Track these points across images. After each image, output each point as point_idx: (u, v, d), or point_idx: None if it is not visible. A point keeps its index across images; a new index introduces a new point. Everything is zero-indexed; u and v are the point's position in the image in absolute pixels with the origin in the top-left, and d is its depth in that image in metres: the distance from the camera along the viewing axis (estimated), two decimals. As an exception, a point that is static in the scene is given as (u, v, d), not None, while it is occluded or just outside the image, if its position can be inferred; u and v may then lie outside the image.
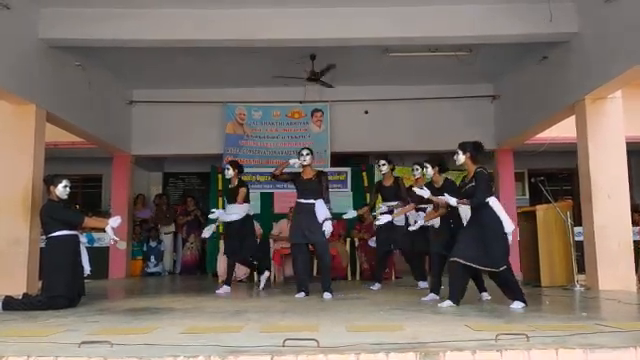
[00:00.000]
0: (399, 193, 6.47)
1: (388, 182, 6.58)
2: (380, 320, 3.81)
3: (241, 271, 7.89)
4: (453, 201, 4.69)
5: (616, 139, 6.44)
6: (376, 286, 6.41)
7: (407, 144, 9.56)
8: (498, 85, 9.43)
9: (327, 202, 5.73)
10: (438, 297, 4.98)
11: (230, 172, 6.46)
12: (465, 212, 4.94)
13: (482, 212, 4.53)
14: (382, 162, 6.60)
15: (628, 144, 6.74)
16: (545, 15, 6.36)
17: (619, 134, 6.47)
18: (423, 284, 6.40)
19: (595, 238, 6.23)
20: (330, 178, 8.96)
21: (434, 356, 2.51)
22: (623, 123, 6.53)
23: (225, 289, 6.29)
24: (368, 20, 6.67)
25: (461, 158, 4.74)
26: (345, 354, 2.52)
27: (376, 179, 8.11)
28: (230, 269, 6.54)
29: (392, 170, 6.66)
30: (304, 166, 5.78)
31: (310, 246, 5.87)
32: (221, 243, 8.39)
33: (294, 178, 5.83)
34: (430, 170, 5.42)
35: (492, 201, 4.53)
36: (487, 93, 9.57)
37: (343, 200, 8.90)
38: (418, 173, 6.07)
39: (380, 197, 6.72)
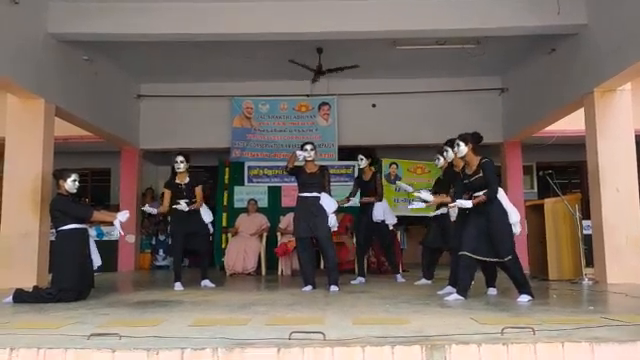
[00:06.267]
0: (376, 188, 6.48)
1: (367, 176, 6.58)
2: (386, 313, 3.82)
3: (249, 264, 7.94)
4: (468, 204, 4.53)
5: (625, 132, 6.39)
6: (357, 280, 6.44)
7: (415, 137, 9.54)
8: (506, 78, 9.38)
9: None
10: (455, 289, 4.91)
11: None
12: (454, 210, 5.03)
13: (488, 203, 4.50)
14: (360, 157, 6.54)
15: (637, 137, 6.69)
16: (553, 7, 6.32)
17: (628, 127, 6.41)
18: (400, 278, 6.62)
19: (603, 232, 6.19)
20: (337, 172, 9.09)
21: (440, 349, 2.52)
22: (632, 116, 6.48)
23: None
24: (376, 13, 6.64)
25: (463, 150, 4.68)
26: (351, 347, 2.54)
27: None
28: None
29: (370, 165, 6.65)
30: (307, 160, 5.79)
31: (313, 240, 5.87)
32: (229, 236, 8.47)
33: (297, 172, 5.84)
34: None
35: (499, 192, 4.52)
36: (495, 86, 9.52)
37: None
38: (440, 162, 5.98)
39: (360, 191, 6.68)
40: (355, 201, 6.58)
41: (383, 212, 6.45)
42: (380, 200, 6.49)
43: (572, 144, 9.26)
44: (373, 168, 6.74)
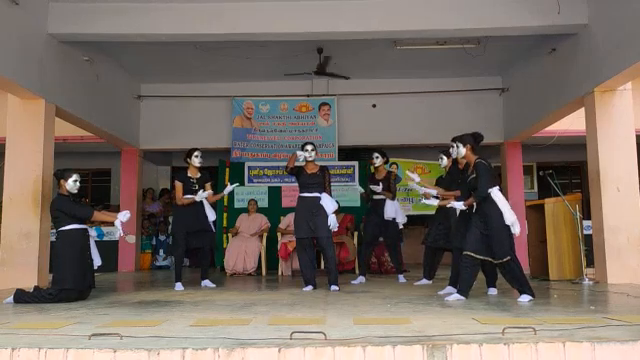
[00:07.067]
0: (390, 186, 6.47)
1: (380, 175, 6.57)
2: (387, 313, 3.81)
3: (249, 264, 7.94)
4: (459, 205, 4.66)
5: (626, 131, 6.39)
6: (358, 280, 6.43)
7: (415, 137, 9.56)
8: (506, 78, 9.38)
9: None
10: (456, 289, 4.83)
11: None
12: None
13: (485, 204, 4.52)
14: (375, 155, 6.55)
15: (638, 136, 6.68)
16: (554, 7, 6.32)
17: (629, 126, 6.41)
18: (402, 278, 6.59)
19: (604, 232, 6.19)
20: (338, 172, 9.10)
21: (441, 349, 2.51)
22: (633, 115, 6.47)
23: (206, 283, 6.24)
24: (376, 13, 6.65)
25: (462, 151, 4.73)
26: (352, 347, 2.53)
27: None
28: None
29: (385, 163, 6.65)
30: (308, 161, 5.80)
31: (314, 240, 5.87)
32: (229, 237, 8.47)
33: (297, 172, 5.84)
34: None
35: (494, 192, 4.51)
36: (495, 86, 9.52)
37: (350, 194, 8.93)
38: (444, 162, 5.98)
39: (371, 190, 6.66)
40: (356, 198, 6.57)
41: (395, 211, 6.43)
42: (393, 199, 6.48)
43: (572, 144, 9.26)
44: (387, 167, 6.76)
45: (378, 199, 6.50)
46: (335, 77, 8.30)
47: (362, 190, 6.81)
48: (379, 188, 6.38)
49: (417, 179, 5.87)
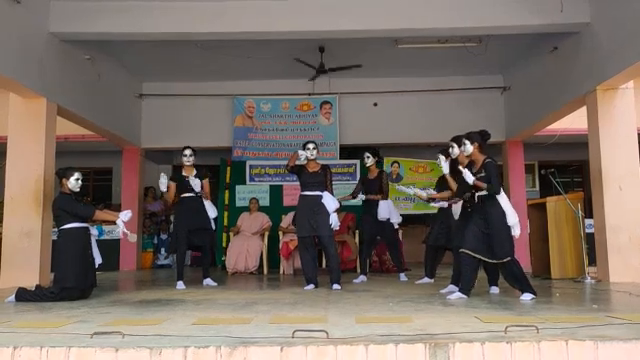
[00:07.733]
0: (382, 186, 6.45)
1: (372, 175, 6.54)
2: (389, 312, 3.81)
3: (251, 263, 7.93)
4: (470, 178, 4.55)
5: (627, 130, 6.38)
6: (359, 279, 6.41)
7: (417, 136, 9.55)
8: (508, 76, 9.36)
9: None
10: (457, 288, 4.80)
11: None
12: (457, 208, 5.08)
13: (488, 203, 4.51)
14: (366, 154, 6.52)
15: (640, 135, 6.67)
16: (556, 5, 6.31)
17: (631, 125, 6.40)
18: (403, 276, 6.58)
19: (606, 230, 6.18)
20: (339, 171, 9.10)
21: (443, 348, 2.51)
22: (635, 114, 6.46)
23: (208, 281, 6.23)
24: (378, 11, 6.65)
25: (469, 148, 4.71)
26: (354, 345, 2.53)
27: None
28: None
29: (377, 163, 6.62)
30: (309, 159, 5.79)
31: (315, 239, 5.87)
32: (231, 235, 8.46)
33: (299, 171, 5.84)
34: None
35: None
36: (497, 85, 9.51)
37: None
38: (443, 161, 5.95)
39: (363, 189, 6.60)
40: (357, 200, 6.56)
41: (389, 211, 6.42)
42: (385, 199, 6.47)
43: (574, 142, 9.25)
44: (379, 167, 6.74)
45: (373, 198, 6.49)
46: (348, 68, 8.19)
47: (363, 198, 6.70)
48: (362, 197, 6.45)
49: (410, 191, 5.83)
